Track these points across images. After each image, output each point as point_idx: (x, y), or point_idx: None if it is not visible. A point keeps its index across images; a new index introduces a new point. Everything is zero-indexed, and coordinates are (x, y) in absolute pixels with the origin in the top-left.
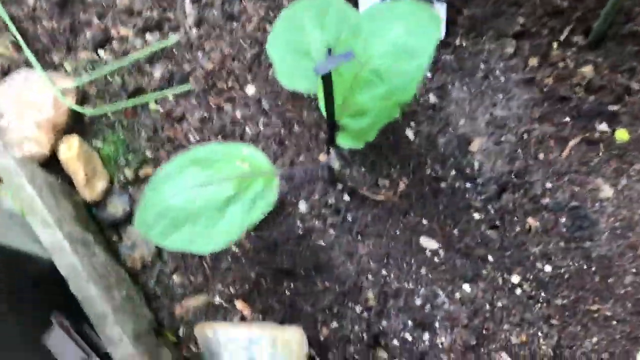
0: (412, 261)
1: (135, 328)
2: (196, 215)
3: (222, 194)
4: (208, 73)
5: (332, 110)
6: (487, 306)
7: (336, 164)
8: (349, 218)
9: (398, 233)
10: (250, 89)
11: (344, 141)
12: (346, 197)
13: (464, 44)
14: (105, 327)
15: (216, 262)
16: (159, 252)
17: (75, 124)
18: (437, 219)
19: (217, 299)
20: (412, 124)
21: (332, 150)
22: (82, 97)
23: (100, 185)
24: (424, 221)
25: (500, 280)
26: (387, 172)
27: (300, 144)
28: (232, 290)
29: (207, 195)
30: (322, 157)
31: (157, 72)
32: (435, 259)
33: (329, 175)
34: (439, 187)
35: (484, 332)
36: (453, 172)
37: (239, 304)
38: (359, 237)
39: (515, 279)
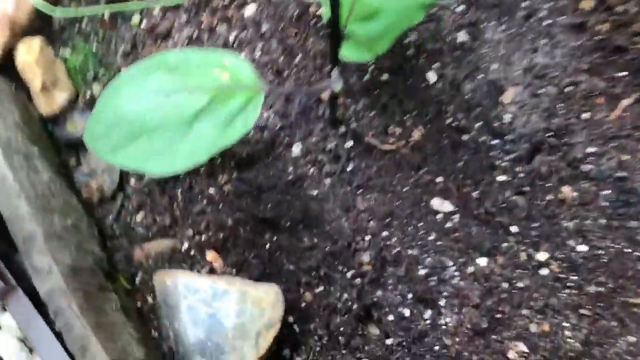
0: (420, 224)
1: (73, 262)
2: (157, 127)
3: (192, 105)
4: None
5: (337, 11)
6: (505, 285)
7: (338, 86)
8: (350, 167)
9: (406, 190)
10: (250, 9)
11: (350, 52)
12: (348, 143)
13: None
14: (32, 253)
15: (188, 203)
16: (121, 183)
17: (42, 27)
18: (454, 177)
19: (185, 246)
20: (435, 64)
21: (334, 70)
22: (55, 0)
23: (61, 97)
24: (438, 179)
25: (523, 256)
26: (400, 119)
27: (300, 75)
28: (203, 237)
29: (174, 105)
30: (325, 96)
31: None
32: (448, 224)
33: (331, 110)
34: (460, 141)
35: (498, 315)
36: (478, 124)
37: (210, 255)
38: (359, 191)
39: (541, 256)
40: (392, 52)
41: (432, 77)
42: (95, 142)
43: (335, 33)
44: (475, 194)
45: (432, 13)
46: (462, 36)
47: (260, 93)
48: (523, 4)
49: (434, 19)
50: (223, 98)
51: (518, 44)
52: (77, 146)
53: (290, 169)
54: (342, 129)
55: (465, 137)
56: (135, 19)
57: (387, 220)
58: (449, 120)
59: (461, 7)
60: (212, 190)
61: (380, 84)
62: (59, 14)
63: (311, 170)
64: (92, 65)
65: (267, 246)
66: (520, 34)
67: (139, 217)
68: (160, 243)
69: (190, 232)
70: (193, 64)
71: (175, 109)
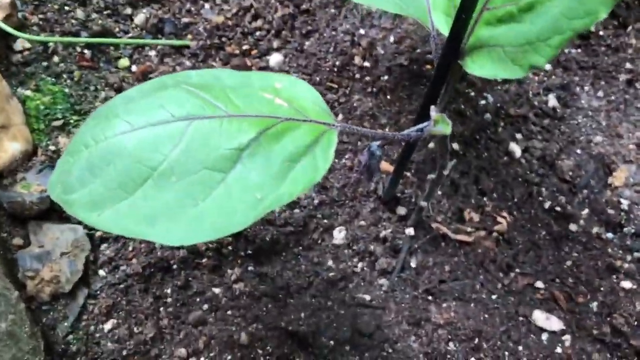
0: (519, 348)
1: None
2: (171, 170)
3: (229, 138)
4: (214, 28)
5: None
6: None
7: (445, 129)
8: (413, 263)
9: (495, 299)
10: (275, 58)
11: (480, 67)
12: (409, 231)
13: (601, 34)
14: None
15: (182, 308)
16: (85, 274)
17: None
18: (561, 283)
19: None
20: (519, 134)
21: (437, 104)
22: (21, 25)
23: (13, 148)
24: (538, 284)
25: None
26: (477, 201)
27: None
28: None
29: (200, 138)
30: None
31: (140, 16)
32: (558, 349)
33: (391, 183)
34: (564, 233)
35: None
36: (585, 212)
37: None
38: (429, 297)
39: None
40: (462, 116)
41: (515, 149)
42: (67, 194)
43: (456, 39)
44: (592, 306)
45: None
46: (551, 101)
47: (333, 129)
48: (625, 67)
49: (513, 78)
50: (278, 132)
51: (623, 113)
52: (27, 219)
53: (330, 262)
54: (402, 210)
55: (572, 227)
56: (124, 61)
57: (474, 341)
58: (545, 205)
59: (548, 66)
60: (217, 290)
61: (450, 154)
62: (27, 37)
63: (360, 265)
64: (61, 109)
65: None
66: (624, 101)
67: (109, 325)
68: None
69: (182, 352)
70: (228, 83)
71: (201, 143)
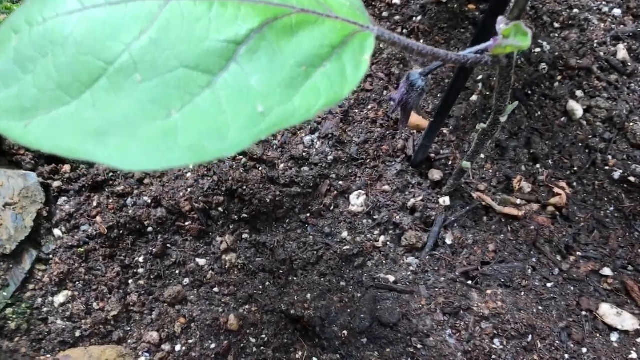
0: (583, 350)
1: None
2: (131, 67)
3: (223, 27)
4: None
5: None
6: None
7: (525, 41)
8: (448, 240)
9: (551, 287)
10: None
11: None
12: (444, 200)
13: None
14: None
15: (156, 280)
16: (35, 234)
17: None
18: (636, 270)
19: None
20: (580, 91)
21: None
22: None
23: None
24: (605, 271)
25: None
26: (530, 170)
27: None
28: (181, 348)
29: (178, 20)
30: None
31: None
32: (633, 353)
33: (425, 140)
34: (637, 209)
35: None
36: None
37: None
38: (470, 282)
39: None
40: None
41: (576, 108)
42: None
43: None
44: None
45: (574, 15)
46: (620, 52)
47: (370, 32)
48: None
49: (575, 23)
50: (292, 25)
51: None
52: None
53: (345, 234)
54: (435, 175)
55: None
56: None
57: (527, 339)
58: (614, 175)
59: (617, 11)
60: (202, 261)
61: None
62: None
63: (382, 239)
64: None
65: None
66: None
67: (61, 298)
68: (96, 352)
69: (154, 337)
70: None
71: (180, 31)
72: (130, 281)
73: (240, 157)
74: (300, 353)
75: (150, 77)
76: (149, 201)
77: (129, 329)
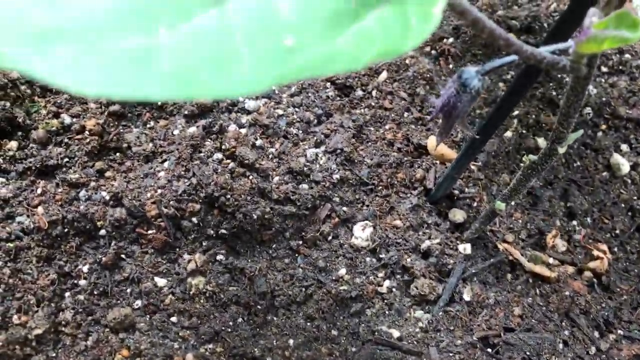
0: None
1: None
2: None
3: None
4: None
5: None
6: None
7: (636, 33)
8: (467, 296)
9: None
10: None
11: None
12: (466, 247)
13: None
14: None
15: (100, 297)
16: None
17: None
18: None
19: None
20: (625, 146)
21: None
22: None
23: None
24: None
25: None
26: (566, 226)
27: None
28: None
29: None
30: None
31: None
32: None
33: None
34: None
35: None
36: None
37: None
38: (490, 351)
39: None
40: (553, 104)
41: (622, 163)
42: None
43: None
44: None
45: (625, 60)
46: None
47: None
48: None
49: (625, 70)
50: None
51: None
52: None
53: (343, 271)
54: (457, 215)
55: None
56: None
57: None
58: None
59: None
60: (162, 281)
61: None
62: None
63: (387, 283)
64: None
65: None
66: None
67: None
68: None
69: None
70: None
71: None
72: (66, 294)
73: (228, 160)
74: None
75: None
76: (107, 197)
77: (54, 355)
